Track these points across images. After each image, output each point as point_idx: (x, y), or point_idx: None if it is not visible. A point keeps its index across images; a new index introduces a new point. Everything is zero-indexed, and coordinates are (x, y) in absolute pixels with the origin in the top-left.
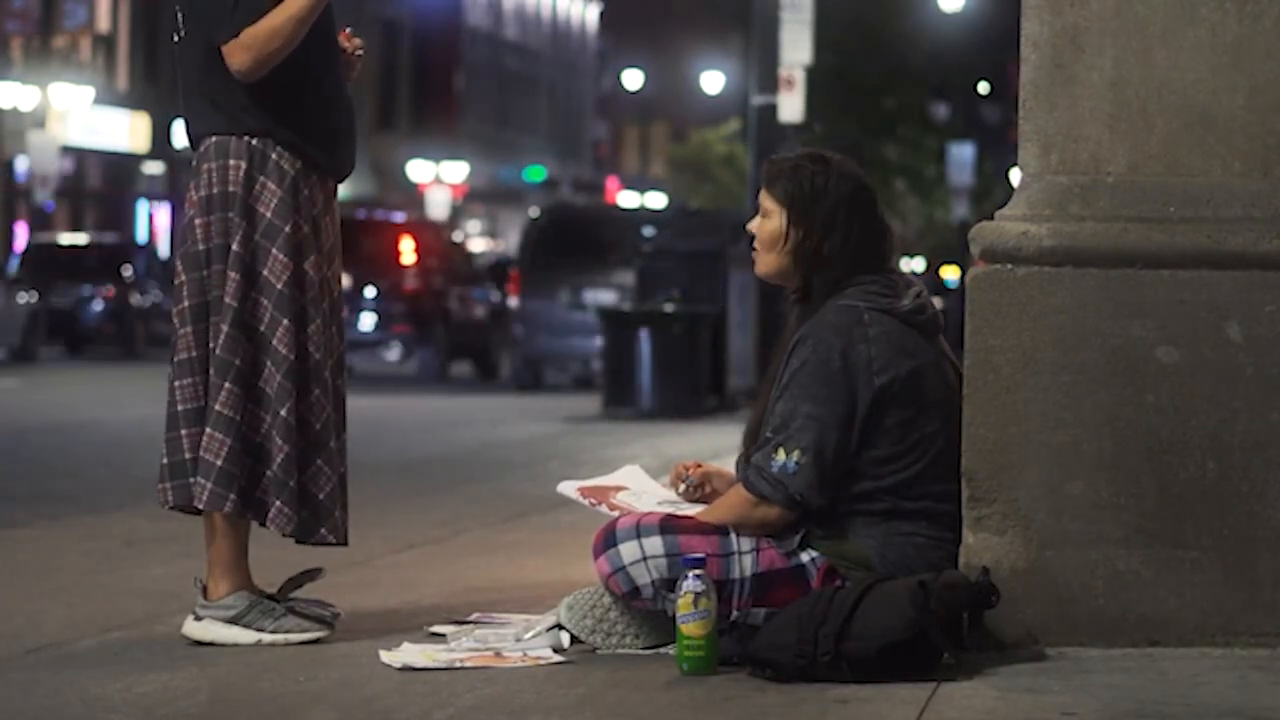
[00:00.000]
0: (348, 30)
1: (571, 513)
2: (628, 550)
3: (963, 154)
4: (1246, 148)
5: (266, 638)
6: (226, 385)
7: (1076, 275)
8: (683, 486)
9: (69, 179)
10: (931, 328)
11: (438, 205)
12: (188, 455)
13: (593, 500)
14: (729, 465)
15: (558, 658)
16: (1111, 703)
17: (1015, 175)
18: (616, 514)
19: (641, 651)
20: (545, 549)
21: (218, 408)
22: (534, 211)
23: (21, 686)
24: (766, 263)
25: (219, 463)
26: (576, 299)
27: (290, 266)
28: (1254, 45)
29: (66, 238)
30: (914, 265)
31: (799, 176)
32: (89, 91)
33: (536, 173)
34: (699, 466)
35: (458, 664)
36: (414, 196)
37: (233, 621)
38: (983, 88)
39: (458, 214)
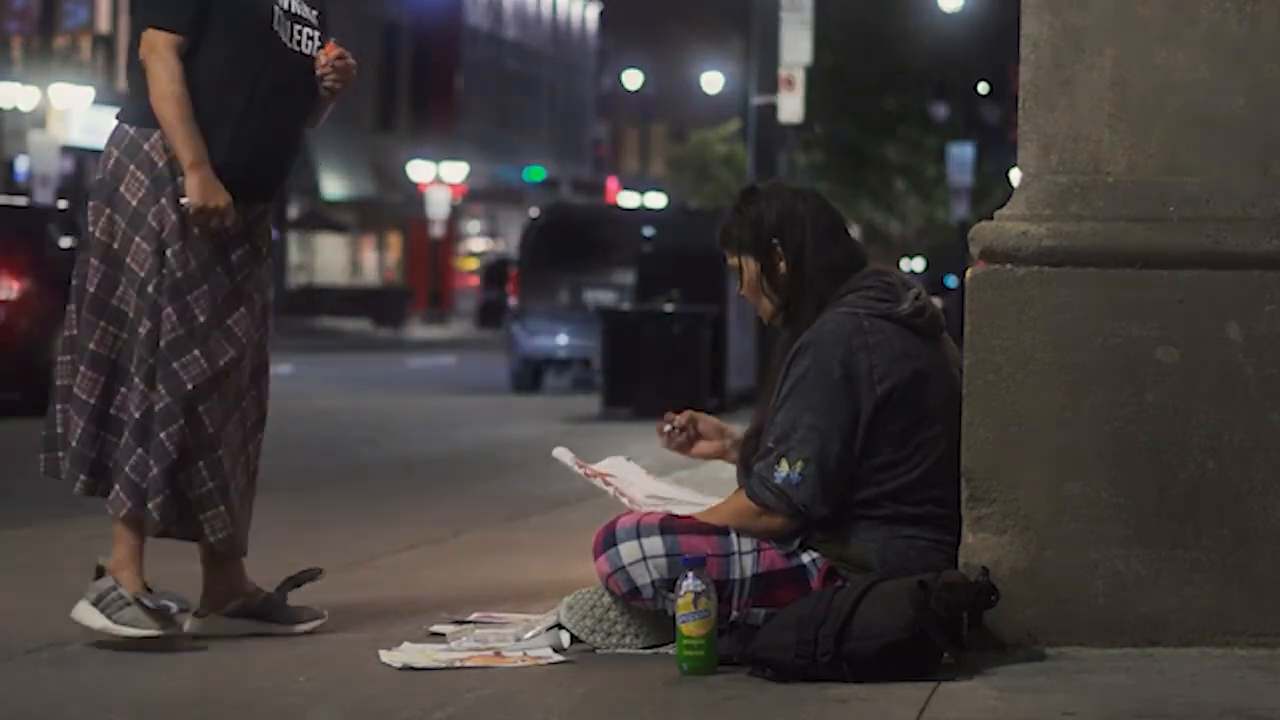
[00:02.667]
0: (332, 41)
1: (572, 512)
2: (627, 550)
3: (963, 154)
4: (1246, 148)
5: (112, 628)
6: (82, 369)
7: (1076, 275)
8: (668, 428)
9: (69, 179)
10: (932, 329)
11: (437, 205)
12: (59, 430)
13: (587, 472)
14: (727, 468)
15: (558, 657)
16: (1111, 703)
17: (1015, 175)
18: (610, 489)
19: (641, 651)
20: (545, 549)
21: (75, 390)
22: (534, 211)
23: (22, 686)
24: (764, 310)
25: (73, 443)
26: (576, 299)
27: (152, 255)
28: (1254, 45)
29: (67, 238)
30: (914, 265)
31: (736, 220)
32: (89, 91)
33: (536, 173)
34: (693, 416)
35: (458, 664)
36: (414, 196)
37: (94, 603)
38: (982, 88)
39: (457, 214)
